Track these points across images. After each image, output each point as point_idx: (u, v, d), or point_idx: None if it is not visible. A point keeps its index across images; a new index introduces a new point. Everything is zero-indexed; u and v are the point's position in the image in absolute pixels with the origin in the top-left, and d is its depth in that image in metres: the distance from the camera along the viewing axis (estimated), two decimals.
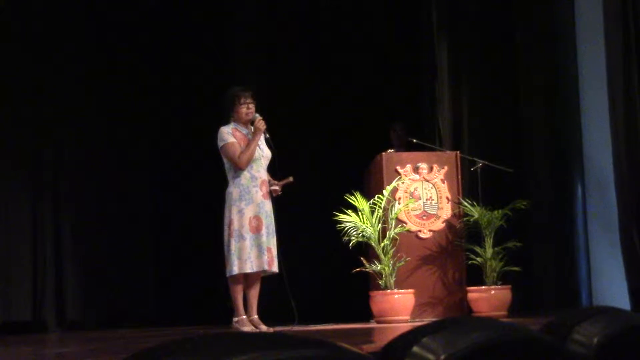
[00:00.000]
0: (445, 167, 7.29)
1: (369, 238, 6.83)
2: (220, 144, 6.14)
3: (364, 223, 6.81)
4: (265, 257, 6.01)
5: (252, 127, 6.17)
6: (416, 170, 7.23)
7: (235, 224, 6.01)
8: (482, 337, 0.94)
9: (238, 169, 6.06)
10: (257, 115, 6.16)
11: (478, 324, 1.00)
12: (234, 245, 6.00)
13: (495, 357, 0.94)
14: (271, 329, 6.05)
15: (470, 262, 7.15)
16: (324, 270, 8.71)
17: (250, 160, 6.05)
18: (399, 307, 6.80)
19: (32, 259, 8.04)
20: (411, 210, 7.16)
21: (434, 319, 1.04)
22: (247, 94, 6.23)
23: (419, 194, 7.21)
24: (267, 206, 6.13)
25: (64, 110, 8.38)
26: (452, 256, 7.20)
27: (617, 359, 1.15)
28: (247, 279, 6.11)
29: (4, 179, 7.97)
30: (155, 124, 9.09)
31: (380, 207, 6.84)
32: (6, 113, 7.99)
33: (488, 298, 7.04)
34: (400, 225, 7.00)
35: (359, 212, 6.83)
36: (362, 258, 6.89)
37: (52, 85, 8.34)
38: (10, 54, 8.06)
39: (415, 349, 0.91)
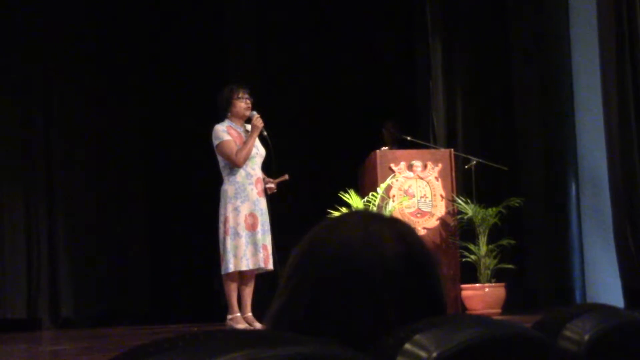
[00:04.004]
0: (440, 165, 7.30)
1: None
2: (215, 142, 6.13)
3: None
4: (261, 255, 6.02)
5: (248, 126, 6.18)
6: (410, 167, 7.24)
7: (231, 222, 6.01)
8: (474, 334, 0.94)
9: (235, 166, 6.05)
10: (254, 112, 6.16)
11: (470, 321, 1.00)
12: (229, 243, 6.00)
13: (486, 354, 0.95)
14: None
15: (464, 259, 7.16)
16: None
17: (247, 158, 6.06)
18: None
19: (26, 257, 8.04)
20: (405, 207, 7.16)
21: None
22: (245, 89, 6.24)
23: (413, 192, 7.21)
24: (262, 204, 6.13)
25: (56, 107, 8.38)
26: (446, 254, 7.20)
27: (608, 356, 1.16)
28: (241, 277, 6.12)
29: None
30: (149, 121, 9.08)
31: (374, 204, 6.84)
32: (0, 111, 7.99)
33: (482, 296, 7.05)
34: None
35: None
36: None
37: (45, 79, 8.33)
38: (2, 55, 8.05)
39: (407, 346, 0.91)
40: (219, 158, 6.16)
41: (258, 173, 6.16)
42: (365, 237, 1.13)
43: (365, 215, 1.20)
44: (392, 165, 7.21)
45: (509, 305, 7.15)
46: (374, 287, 1.09)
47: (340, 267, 1.12)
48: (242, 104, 6.16)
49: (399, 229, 1.17)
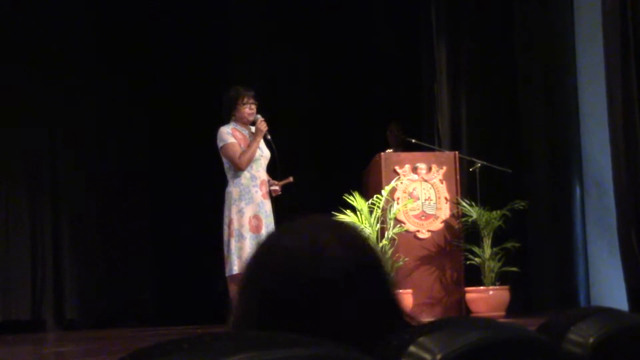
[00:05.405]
0: (444, 168, 7.29)
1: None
2: (220, 144, 6.13)
3: (362, 223, 6.81)
4: None
5: (253, 128, 6.17)
6: (415, 170, 7.23)
7: (235, 224, 6.02)
8: (479, 337, 0.94)
9: (238, 169, 6.06)
10: (258, 116, 6.15)
11: (474, 323, 1.00)
12: (234, 245, 6.00)
13: (490, 357, 0.95)
14: None
15: (468, 262, 7.15)
16: None
17: (250, 161, 6.05)
18: None
19: (31, 259, 8.05)
20: (410, 210, 7.16)
21: (432, 319, 1.04)
22: (250, 94, 6.22)
23: (417, 194, 7.21)
24: (267, 206, 6.13)
25: (62, 110, 8.39)
26: (450, 256, 7.20)
27: (612, 359, 1.16)
28: None
29: (3, 179, 7.98)
30: (154, 123, 9.09)
31: (378, 207, 6.84)
32: (3, 112, 8.00)
33: (486, 298, 7.05)
34: (398, 226, 7.00)
35: (358, 212, 6.83)
36: None
37: (50, 82, 8.34)
38: (6, 55, 8.07)
39: (412, 348, 0.91)
40: (223, 160, 6.16)
41: (263, 175, 6.16)
42: (308, 245, 1.12)
43: (310, 221, 1.19)
44: (397, 168, 7.21)
45: (513, 308, 7.14)
46: (318, 295, 1.08)
47: (284, 276, 1.10)
48: (246, 109, 6.15)
49: (344, 234, 1.15)
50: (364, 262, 1.13)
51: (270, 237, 1.19)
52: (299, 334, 1.03)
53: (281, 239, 1.16)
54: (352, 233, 1.17)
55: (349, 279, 1.10)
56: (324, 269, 1.09)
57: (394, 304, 1.14)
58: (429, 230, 7.19)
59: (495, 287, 7.07)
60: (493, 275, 7.09)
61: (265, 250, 1.16)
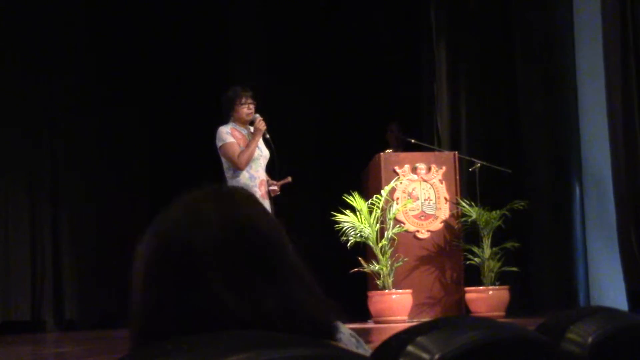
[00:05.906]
0: (444, 168, 7.29)
1: (367, 238, 6.83)
2: (219, 143, 6.13)
3: (362, 223, 6.82)
4: None
5: (252, 127, 6.17)
6: (414, 170, 7.24)
7: None
8: (477, 336, 0.94)
9: (237, 169, 6.06)
10: (257, 115, 6.15)
11: (473, 323, 1.00)
12: None
13: (489, 357, 0.95)
14: None
15: (468, 262, 7.16)
16: (321, 270, 8.65)
17: (249, 161, 6.05)
18: (396, 307, 6.80)
19: (31, 260, 8.05)
20: (409, 210, 7.16)
21: (431, 319, 1.04)
22: (248, 94, 6.22)
23: (417, 194, 7.21)
24: (266, 206, 6.13)
25: (61, 110, 8.39)
26: (450, 256, 7.20)
27: (611, 358, 1.16)
28: None
29: (3, 179, 7.98)
30: (153, 123, 9.09)
31: (378, 207, 6.84)
32: (3, 113, 8.00)
33: (486, 298, 7.05)
34: (398, 226, 7.00)
35: (357, 212, 6.83)
36: (360, 258, 6.90)
37: (50, 82, 8.34)
38: (6, 56, 8.06)
39: (410, 348, 0.91)
40: (223, 160, 6.16)
41: (262, 175, 6.16)
42: (189, 216, 1.10)
43: (201, 193, 1.16)
44: (396, 168, 7.21)
45: (513, 308, 7.14)
46: (199, 269, 1.04)
47: (165, 246, 1.09)
48: (245, 109, 6.15)
49: (230, 206, 1.12)
50: (244, 235, 1.09)
51: (166, 207, 1.16)
52: (179, 306, 1.01)
53: (170, 209, 1.14)
54: (240, 206, 1.13)
55: (221, 252, 1.06)
56: (198, 240, 1.07)
57: (288, 271, 1.10)
58: (428, 230, 7.19)
59: (494, 287, 7.07)
60: (493, 275, 7.09)
61: (157, 219, 1.14)
